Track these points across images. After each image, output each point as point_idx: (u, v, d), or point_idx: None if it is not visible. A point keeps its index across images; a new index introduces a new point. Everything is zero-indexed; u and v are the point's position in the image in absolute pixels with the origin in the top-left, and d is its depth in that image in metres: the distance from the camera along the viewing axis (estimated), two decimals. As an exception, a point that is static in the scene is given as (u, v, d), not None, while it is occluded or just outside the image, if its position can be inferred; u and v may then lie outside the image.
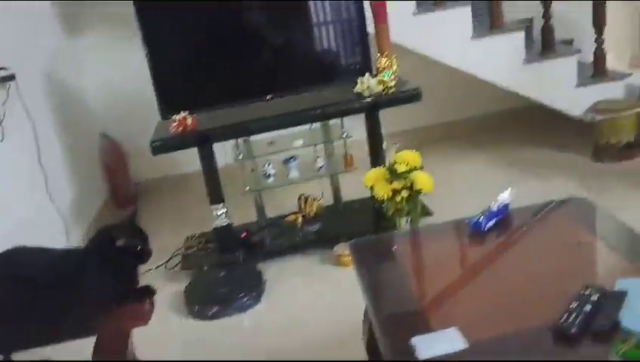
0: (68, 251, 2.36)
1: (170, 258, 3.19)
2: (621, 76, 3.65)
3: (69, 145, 3.54)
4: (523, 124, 4.20)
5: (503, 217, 1.96)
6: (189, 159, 3.19)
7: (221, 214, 3.03)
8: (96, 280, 1.79)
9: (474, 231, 1.92)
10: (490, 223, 1.92)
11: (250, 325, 2.67)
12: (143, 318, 1.83)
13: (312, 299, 2.75)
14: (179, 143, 2.87)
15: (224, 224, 3.04)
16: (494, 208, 1.96)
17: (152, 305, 1.88)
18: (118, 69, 3.96)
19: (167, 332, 2.65)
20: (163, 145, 2.84)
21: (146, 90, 2.98)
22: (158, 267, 3.09)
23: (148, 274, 2.44)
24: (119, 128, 4.11)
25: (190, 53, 3.03)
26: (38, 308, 1.76)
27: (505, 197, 2.00)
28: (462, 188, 3.52)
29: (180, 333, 2.69)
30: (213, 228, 3.06)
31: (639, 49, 3.63)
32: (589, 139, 3.62)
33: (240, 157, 3.15)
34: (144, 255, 1.88)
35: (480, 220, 1.92)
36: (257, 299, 2.76)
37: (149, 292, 1.90)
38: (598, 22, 3.54)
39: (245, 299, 2.72)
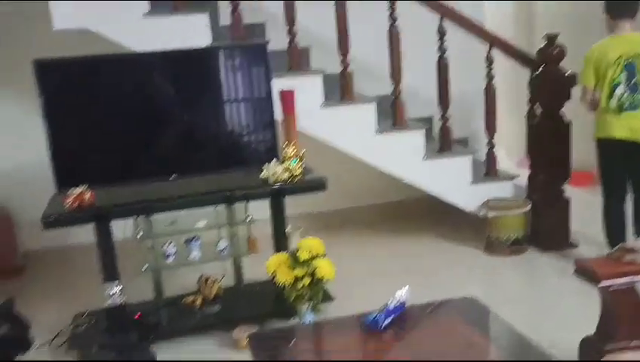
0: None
1: (56, 336, 2.98)
2: (510, 177, 3.95)
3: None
4: (424, 213, 4.37)
5: (400, 315, 2.01)
6: (85, 228, 2.98)
7: (114, 293, 2.88)
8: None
9: (371, 328, 1.95)
10: (387, 321, 1.96)
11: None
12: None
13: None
14: (73, 219, 2.74)
15: (117, 303, 2.89)
16: (391, 306, 2.01)
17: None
18: (12, 134, 3.81)
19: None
20: (56, 221, 2.69)
21: (42, 159, 2.86)
22: (41, 346, 2.82)
23: (30, 354, 2.24)
24: (8, 196, 3.90)
25: (92, 124, 2.94)
26: None
27: (402, 294, 2.06)
28: (362, 273, 3.58)
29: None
30: (105, 307, 2.90)
31: (525, 150, 3.95)
32: (483, 232, 3.83)
33: (139, 235, 3.05)
34: (23, 345, 1.75)
35: (377, 318, 1.95)
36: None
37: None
38: (490, 128, 3.87)
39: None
